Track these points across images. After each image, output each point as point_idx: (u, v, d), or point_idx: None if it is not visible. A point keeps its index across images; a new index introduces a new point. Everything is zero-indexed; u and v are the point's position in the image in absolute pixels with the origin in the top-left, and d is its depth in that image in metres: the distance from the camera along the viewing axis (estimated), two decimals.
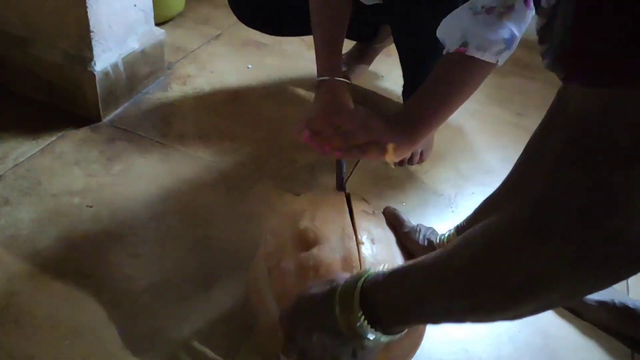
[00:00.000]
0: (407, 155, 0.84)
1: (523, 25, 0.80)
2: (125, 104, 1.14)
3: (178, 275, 0.80)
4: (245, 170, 1.02)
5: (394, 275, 0.51)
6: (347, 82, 0.95)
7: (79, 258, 0.80)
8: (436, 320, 0.52)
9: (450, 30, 0.82)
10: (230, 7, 1.17)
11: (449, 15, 0.84)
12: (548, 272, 0.38)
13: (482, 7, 0.79)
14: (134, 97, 1.16)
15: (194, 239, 0.86)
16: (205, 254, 0.84)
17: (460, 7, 0.82)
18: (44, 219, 0.85)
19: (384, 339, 0.52)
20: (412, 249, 0.79)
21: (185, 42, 1.40)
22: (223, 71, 1.30)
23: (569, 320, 0.83)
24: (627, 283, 0.91)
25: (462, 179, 1.10)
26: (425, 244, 0.79)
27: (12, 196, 0.88)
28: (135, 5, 1.10)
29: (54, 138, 1.02)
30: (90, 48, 1.02)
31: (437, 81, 0.82)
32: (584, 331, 0.82)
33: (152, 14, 1.16)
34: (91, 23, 1.00)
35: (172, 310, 0.75)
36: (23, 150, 0.98)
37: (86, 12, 0.98)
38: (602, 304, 0.81)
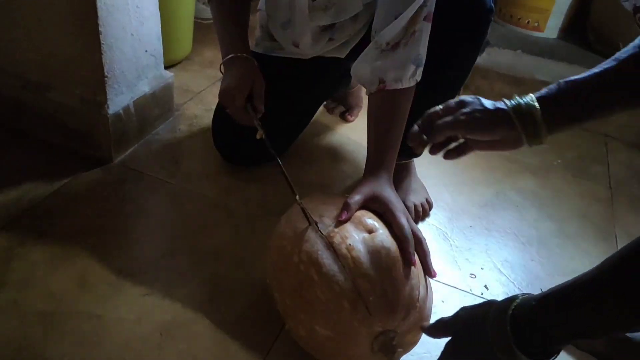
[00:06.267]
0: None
1: (426, 40, 0.86)
2: (136, 145, 1.18)
3: (188, 315, 0.82)
4: (251, 208, 1.05)
5: (548, 301, 0.56)
6: (254, 60, 0.95)
7: (91, 299, 0.82)
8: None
9: (364, 73, 0.89)
10: (216, 147, 1.16)
11: (359, 58, 0.90)
12: None
13: (387, 44, 0.86)
14: (144, 138, 1.20)
15: (202, 278, 0.88)
16: (214, 292, 0.86)
17: (368, 47, 0.88)
18: (58, 260, 0.88)
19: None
20: None
21: (191, 84, 1.45)
22: None
23: (565, 349, 0.83)
24: None
25: (458, 213, 1.13)
26: None
27: (27, 238, 0.92)
28: (146, 51, 1.16)
29: (67, 179, 1.05)
30: (104, 92, 1.07)
31: (377, 123, 0.88)
32: None
33: (162, 58, 1.21)
34: (105, 69, 1.05)
35: (183, 349, 0.77)
36: (38, 192, 1.01)
37: (101, 58, 1.03)
38: None
